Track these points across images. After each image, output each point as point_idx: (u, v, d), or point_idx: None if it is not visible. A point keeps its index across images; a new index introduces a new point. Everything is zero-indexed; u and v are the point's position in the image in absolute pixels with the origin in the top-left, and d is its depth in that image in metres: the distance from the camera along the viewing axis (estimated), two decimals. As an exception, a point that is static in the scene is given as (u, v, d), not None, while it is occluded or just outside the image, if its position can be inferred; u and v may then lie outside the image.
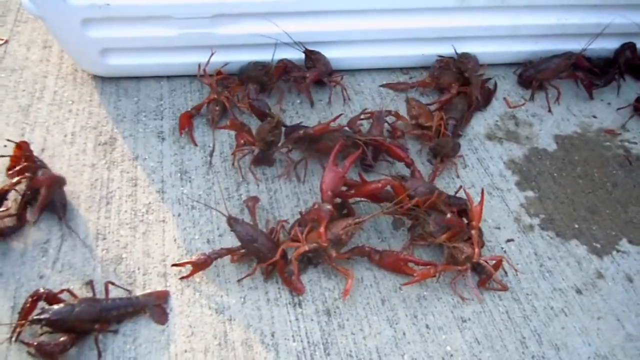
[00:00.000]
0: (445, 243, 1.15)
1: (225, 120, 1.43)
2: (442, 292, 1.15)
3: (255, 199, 1.25)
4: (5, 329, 1.03)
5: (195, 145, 1.38)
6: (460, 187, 1.27)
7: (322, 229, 1.10)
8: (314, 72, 1.47)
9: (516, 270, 1.18)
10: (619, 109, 1.57)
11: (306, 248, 1.10)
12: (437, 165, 1.35)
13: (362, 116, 1.39)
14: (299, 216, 1.22)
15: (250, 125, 1.32)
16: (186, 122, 1.41)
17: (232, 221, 1.12)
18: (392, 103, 1.52)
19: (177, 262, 1.13)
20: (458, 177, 1.36)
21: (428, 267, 1.14)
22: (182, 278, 1.13)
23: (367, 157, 1.30)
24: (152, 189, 1.29)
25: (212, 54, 1.45)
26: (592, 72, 1.61)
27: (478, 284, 1.16)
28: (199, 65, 1.45)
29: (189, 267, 1.12)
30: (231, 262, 1.16)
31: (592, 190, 1.37)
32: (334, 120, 1.33)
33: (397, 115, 1.42)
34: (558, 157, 1.44)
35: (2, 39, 1.68)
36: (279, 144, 1.32)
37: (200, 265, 1.12)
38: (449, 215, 1.15)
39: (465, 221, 1.20)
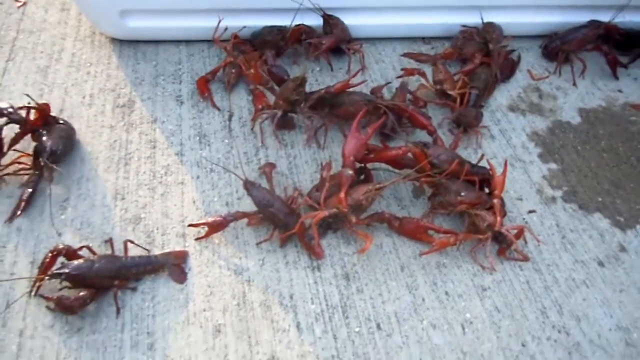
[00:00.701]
0: (467, 210, 1.13)
1: (242, 85, 1.41)
2: (462, 261, 1.14)
3: (271, 165, 1.24)
4: (25, 283, 1.04)
5: (218, 109, 1.37)
6: (482, 155, 1.25)
7: (342, 194, 1.08)
8: (331, 38, 1.44)
9: (538, 241, 1.17)
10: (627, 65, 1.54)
11: (326, 214, 1.08)
12: (459, 134, 1.33)
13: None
14: (318, 180, 1.20)
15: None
16: (204, 87, 1.39)
17: (248, 185, 1.11)
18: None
19: (194, 223, 1.13)
20: (480, 147, 1.34)
21: (448, 235, 1.13)
22: (198, 239, 1.12)
23: (389, 123, 1.28)
24: (170, 151, 1.28)
25: (220, 21, 1.42)
26: (619, 46, 1.56)
27: (498, 252, 1.14)
28: (216, 29, 1.43)
29: (205, 228, 1.11)
30: (247, 225, 1.15)
31: (617, 164, 1.34)
32: (353, 76, 1.29)
33: (422, 75, 1.39)
34: (582, 131, 1.41)
35: (20, 1, 1.67)
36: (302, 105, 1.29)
37: (216, 226, 1.11)
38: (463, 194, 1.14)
39: (487, 191, 1.18)
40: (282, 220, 1.11)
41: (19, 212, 1.14)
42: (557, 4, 1.54)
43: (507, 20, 1.53)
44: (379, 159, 1.20)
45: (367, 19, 1.52)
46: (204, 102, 1.39)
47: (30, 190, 1.16)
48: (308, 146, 1.31)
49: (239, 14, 1.45)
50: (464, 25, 1.54)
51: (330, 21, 1.46)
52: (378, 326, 1.03)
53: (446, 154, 1.19)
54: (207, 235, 1.12)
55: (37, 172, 1.18)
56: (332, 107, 1.29)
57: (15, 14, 1.62)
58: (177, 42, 1.54)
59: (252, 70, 1.37)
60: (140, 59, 1.50)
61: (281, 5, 1.41)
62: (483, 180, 1.20)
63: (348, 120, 1.27)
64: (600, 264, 1.16)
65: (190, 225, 1.13)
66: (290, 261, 1.11)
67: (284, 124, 1.32)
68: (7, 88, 1.40)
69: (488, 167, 1.19)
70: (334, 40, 1.45)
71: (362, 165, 1.21)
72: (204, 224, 1.11)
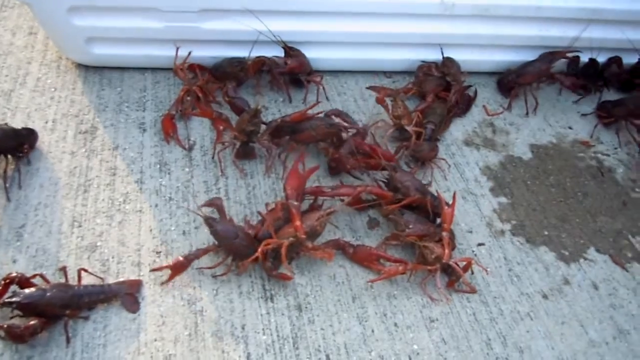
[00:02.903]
0: (416, 242, 1.17)
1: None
2: (412, 292, 1.17)
3: (219, 199, 1.22)
4: (-25, 311, 1.03)
5: (183, 148, 1.38)
6: (437, 191, 1.29)
7: (298, 222, 1.11)
8: (293, 62, 1.47)
9: (486, 271, 1.21)
10: (582, 114, 1.62)
11: (286, 243, 1.11)
12: (415, 168, 1.38)
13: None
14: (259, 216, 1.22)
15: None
16: (170, 126, 1.39)
17: (210, 221, 1.12)
18: (375, 106, 1.54)
19: (155, 267, 1.13)
20: (433, 181, 1.39)
21: (397, 264, 1.16)
22: (162, 284, 1.12)
23: (350, 147, 1.31)
24: (130, 179, 1.30)
25: (177, 49, 1.44)
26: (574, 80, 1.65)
27: (447, 284, 1.18)
28: (175, 58, 1.45)
29: (167, 271, 1.12)
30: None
31: (564, 199, 1.40)
32: (311, 108, 1.33)
33: (386, 108, 1.42)
34: (532, 166, 1.47)
35: (-12, 24, 1.67)
36: (259, 135, 1.32)
37: (178, 268, 1.12)
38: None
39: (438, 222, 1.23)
40: (245, 250, 1.12)
41: None
42: (511, 44, 1.61)
43: (464, 57, 1.59)
44: (331, 194, 1.24)
45: (330, 53, 1.57)
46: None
47: None
48: (267, 176, 1.34)
49: (201, 45, 1.48)
50: (423, 61, 1.59)
51: (290, 52, 1.50)
52: (327, 357, 1.05)
53: (412, 181, 1.24)
54: (171, 278, 1.12)
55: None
56: (293, 132, 1.33)
57: (-18, 36, 1.63)
58: (143, 69, 1.57)
59: (202, 105, 1.40)
60: (105, 85, 1.52)
61: (243, 37, 1.44)
62: (435, 213, 1.25)
63: (310, 144, 1.32)
64: (545, 296, 1.20)
65: (152, 270, 1.13)
66: (244, 291, 1.13)
67: (245, 154, 1.35)
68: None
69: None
70: (291, 67, 1.47)
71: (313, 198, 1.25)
72: (166, 267, 1.12)
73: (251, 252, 1.11)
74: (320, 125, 1.31)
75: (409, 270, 1.16)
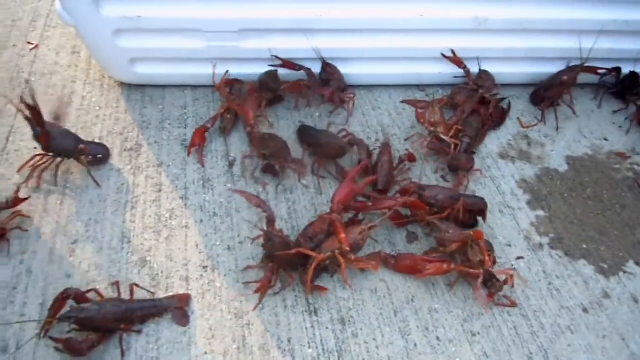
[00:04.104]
0: (465, 242, 1.19)
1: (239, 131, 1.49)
2: (454, 306, 1.19)
3: (271, 213, 1.22)
4: (34, 325, 1.08)
5: (202, 165, 1.41)
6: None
7: (343, 235, 1.14)
8: (329, 89, 1.51)
9: (525, 284, 1.22)
10: (614, 111, 1.64)
11: (324, 257, 1.14)
12: (459, 178, 1.40)
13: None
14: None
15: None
16: (199, 139, 1.43)
17: (269, 234, 1.14)
18: (409, 119, 1.56)
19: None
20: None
21: (442, 263, 1.19)
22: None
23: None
24: (175, 195, 1.34)
25: (215, 66, 1.50)
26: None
27: (487, 296, 1.20)
28: (213, 76, 1.50)
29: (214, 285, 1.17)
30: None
31: (601, 212, 1.40)
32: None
33: (410, 158, 1.43)
34: (569, 178, 1.47)
35: (33, 43, 1.74)
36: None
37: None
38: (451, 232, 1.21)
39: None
40: (297, 262, 1.16)
41: None
42: (545, 56, 1.62)
43: (498, 70, 1.60)
44: (374, 209, 1.26)
45: (364, 68, 1.60)
46: (208, 147, 1.45)
47: None
48: (307, 190, 1.37)
49: (239, 62, 1.52)
50: (456, 77, 1.61)
51: (328, 69, 1.54)
52: (372, 370, 1.08)
53: (443, 193, 1.27)
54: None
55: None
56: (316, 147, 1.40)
57: (28, 56, 1.69)
58: (183, 86, 1.61)
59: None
60: (147, 103, 1.57)
61: (280, 54, 1.49)
62: (478, 212, 1.27)
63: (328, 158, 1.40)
64: (585, 310, 1.21)
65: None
66: (289, 305, 1.16)
67: (267, 169, 1.39)
68: (20, 130, 1.46)
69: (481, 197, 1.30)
70: (329, 96, 1.51)
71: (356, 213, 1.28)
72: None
73: (302, 262, 1.15)
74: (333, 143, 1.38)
75: (454, 269, 1.18)
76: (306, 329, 1.13)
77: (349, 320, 1.15)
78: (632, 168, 1.52)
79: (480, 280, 1.16)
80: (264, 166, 1.38)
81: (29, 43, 1.74)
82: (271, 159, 1.36)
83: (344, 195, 1.23)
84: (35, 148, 1.34)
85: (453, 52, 1.56)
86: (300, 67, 1.53)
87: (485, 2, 1.47)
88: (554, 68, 1.63)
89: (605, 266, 1.29)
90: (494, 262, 1.22)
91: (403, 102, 1.60)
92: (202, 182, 1.37)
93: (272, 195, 1.36)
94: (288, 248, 1.14)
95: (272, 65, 1.51)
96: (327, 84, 1.52)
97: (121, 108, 1.55)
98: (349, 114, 1.56)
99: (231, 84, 1.54)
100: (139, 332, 1.09)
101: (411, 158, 1.41)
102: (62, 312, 1.06)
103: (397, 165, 1.40)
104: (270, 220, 1.17)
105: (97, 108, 1.54)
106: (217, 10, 1.42)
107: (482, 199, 1.31)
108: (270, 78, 1.51)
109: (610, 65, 1.63)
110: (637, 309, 1.22)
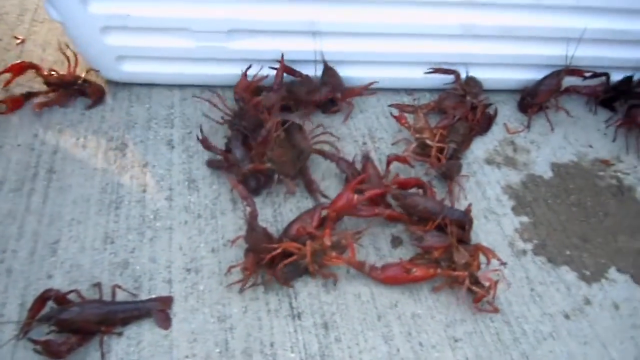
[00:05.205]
0: (449, 245, 1.20)
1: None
2: (436, 311, 1.19)
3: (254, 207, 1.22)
4: (13, 326, 1.07)
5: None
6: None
7: (327, 230, 1.15)
8: (327, 90, 1.52)
9: (508, 286, 1.23)
10: (606, 121, 1.65)
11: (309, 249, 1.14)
12: (450, 186, 1.40)
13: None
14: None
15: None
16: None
17: (253, 222, 1.15)
18: (397, 123, 1.56)
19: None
20: (456, 200, 1.41)
21: (428, 267, 1.19)
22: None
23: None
24: (160, 196, 1.33)
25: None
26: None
27: (473, 301, 1.20)
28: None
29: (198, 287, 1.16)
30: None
31: (585, 219, 1.41)
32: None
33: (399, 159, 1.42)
34: (553, 185, 1.49)
35: (19, 38, 1.72)
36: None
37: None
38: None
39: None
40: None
41: None
42: (533, 63, 1.63)
43: (485, 76, 1.61)
44: (363, 216, 1.28)
45: (352, 71, 1.59)
46: (194, 147, 1.44)
47: None
48: (291, 194, 1.37)
49: (229, 63, 1.52)
50: (446, 84, 1.62)
51: (328, 71, 1.54)
52: (354, 375, 1.08)
53: (424, 203, 1.27)
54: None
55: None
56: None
57: (13, 51, 1.67)
58: (170, 86, 1.60)
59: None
60: (134, 102, 1.55)
61: (271, 56, 1.48)
62: (458, 224, 1.27)
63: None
64: (567, 316, 1.22)
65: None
66: (272, 309, 1.16)
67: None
68: (1, 125, 1.44)
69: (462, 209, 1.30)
70: (330, 92, 1.52)
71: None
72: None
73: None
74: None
75: (439, 274, 1.19)
76: (289, 333, 1.13)
77: (332, 325, 1.15)
78: (616, 175, 1.53)
79: (466, 283, 1.17)
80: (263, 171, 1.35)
81: (15, 37, 1.72)
82: (276, 166, 1.33)
83: (340, 205, 1.23)
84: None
85: (436, 69, 1.58)
86: (300, 74, 1.53)
87: (473, 8, 1.48)
88: (540, 74, 1.64)
89: (588, 273, 1.30)
90: (479, 267, 1.23)
91: (391, 106, 1.60)
92: (187, 183, 1.37)
93: (258, 199, 1.35)
94: (270, 240, 1.15)
95: (272, 68, 1.50)
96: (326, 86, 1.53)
97: (107, 107, 1.54)
98: (346, 118, 1.57)
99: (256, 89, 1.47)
100: (120, 334, 1.09)
101: (399, 159, 1.41)
102: (42, 313, 1.05)
103: (384, 173, 1.40)
104: (253, 216, 1.16)
105: (83, 106, 1.53)
106: (207, 10, 1.41)
107: (466, 214, 1.30)
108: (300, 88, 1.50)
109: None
110: (618, 316, 1.23)
